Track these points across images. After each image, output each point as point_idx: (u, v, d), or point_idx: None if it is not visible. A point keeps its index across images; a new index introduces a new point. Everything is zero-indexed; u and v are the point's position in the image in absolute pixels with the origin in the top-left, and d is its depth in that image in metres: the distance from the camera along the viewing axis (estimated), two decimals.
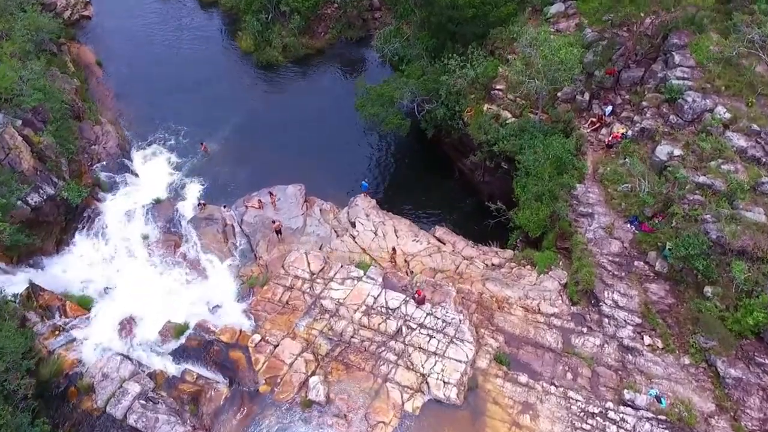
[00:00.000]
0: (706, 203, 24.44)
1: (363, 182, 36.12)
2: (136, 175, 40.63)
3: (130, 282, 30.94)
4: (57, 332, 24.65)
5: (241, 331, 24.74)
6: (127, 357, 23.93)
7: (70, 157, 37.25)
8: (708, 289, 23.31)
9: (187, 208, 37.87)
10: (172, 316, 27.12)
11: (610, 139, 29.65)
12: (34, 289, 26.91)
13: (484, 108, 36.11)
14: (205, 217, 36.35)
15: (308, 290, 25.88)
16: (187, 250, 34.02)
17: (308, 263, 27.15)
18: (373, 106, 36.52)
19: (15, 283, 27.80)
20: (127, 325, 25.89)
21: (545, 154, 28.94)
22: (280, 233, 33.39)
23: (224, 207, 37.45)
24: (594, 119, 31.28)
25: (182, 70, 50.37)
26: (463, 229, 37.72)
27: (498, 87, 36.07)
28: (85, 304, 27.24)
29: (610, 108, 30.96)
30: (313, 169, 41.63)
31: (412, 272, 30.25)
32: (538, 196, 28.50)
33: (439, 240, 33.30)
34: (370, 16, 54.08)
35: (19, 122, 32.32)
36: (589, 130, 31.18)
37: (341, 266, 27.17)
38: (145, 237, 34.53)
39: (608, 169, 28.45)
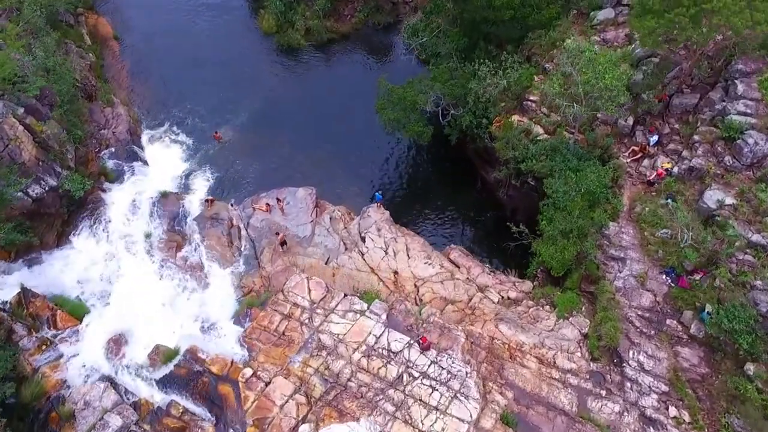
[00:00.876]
0: (758, 267, 21.59)
1: (377, 193, 33.90)
2: (146, 162, 39.13)
3: (127, 287, 29.74)
4: (44, 347, 23.65)
5: (232, 362, 23.34)
6: (113, 381, 22.81)
7: (76, 144, 35.85)
8: (750, 367, 20.74)
9: (194, 203, 36.35)
10: (164, 333, 25.88)
11: (653, 176, 26.54)
12: (25, 295, 25.87)
13: (514, 120, 33.14)
14: (212, 215, 34.76)
15: (307, 321, 24.20)
16: (189, 252, 32.62)
17: (309, 290, 25.42)
18: (394, 109, 33.87)
19: (8, 285, 26.84)
20: (116, 344, 24.76)
21: (577, 186, 26.13)
22: (285, 244, 31.63)
23: (232, 204, 35.83)
24: (636, 148, 28.10)
25: (200, 49, 48.11)
26: (481, 246, 35.57)
27: (531, 98, 32.93)
28: (77, 313, 26.16)
29: (655, 138, 27.69)
30: (328, 166, 39.67)
31: (421, 300, 28.32)
32: (566, 233, 25.88)
33: (453, 262, 31.11)
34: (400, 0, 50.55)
35: (21, 110, 30.79)
36: (629, 160, 28.07)
37: (344, 296, 25.35)
38: (148, 235, 33.18)
39: (647, 209, 25.54)
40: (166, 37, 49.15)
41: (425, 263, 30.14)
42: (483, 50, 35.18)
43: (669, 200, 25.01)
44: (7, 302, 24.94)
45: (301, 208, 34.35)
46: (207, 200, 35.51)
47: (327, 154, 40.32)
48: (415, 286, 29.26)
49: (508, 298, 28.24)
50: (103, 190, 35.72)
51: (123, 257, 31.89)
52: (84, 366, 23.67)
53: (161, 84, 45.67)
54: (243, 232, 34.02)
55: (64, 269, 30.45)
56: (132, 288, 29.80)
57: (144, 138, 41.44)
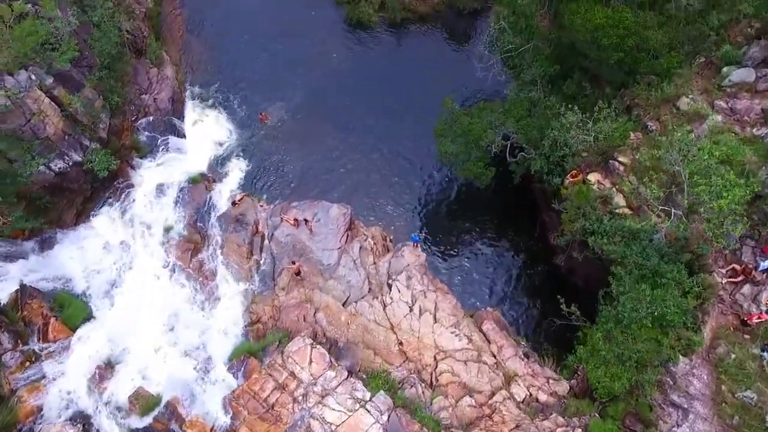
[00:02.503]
0: None
1: (414, 234, 30.01)
2: (183, 136, 36.54)
3: (134, 288, 28.16)
4: (28, 363, 22.46)
5: (212, 429, 21.31)
6: (88, 422, 21.41)
7: (112, 110, 33.53)
8: None
9: (223, 195, 33.83)
10: (156, 364, 24.16)
11: (753, 318, 21.10)
12: (23, 293, 24.58)
13: (594, 180, 27.76)
14: (237, 216, 32.15)
15: (300, 398, 21.56)
16: (205, 257, 30.46)
17: (310, 360, 22.62)
18: (454, 140, 29.11)
19: (10, 277, 25.61)
20: (101, 375, 23.22)
21: (648, 308, 21.22)
22: (299, 274, 28.77)
23: (261, 205, 33.02)
24: (738, 267, 22.43)
25: (265, 8, 43.85)
26: (522, 309, 31.54)
27: (621, 159, 27.23)
28: (72, 321, 24.71)
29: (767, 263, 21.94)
30: (374, 174, 35.82)
31: (437, 380, 25.08)
32: (623, 359, 21.35)
33: (484, 334, 27.36)
34: None
35: (50, 79, 28.40)
36: (725, 280, 22.56)
37: (347, 376, 22.40)
38: (168, 229, 31.16)
39: (733, 355, 20.51)
40: None
41: (452, 333, 26.56)
42: (576, 83, 29.24)
43: (765, 354, 19.91)
44: (1, 302, 23.74)
45: (331, 229, 31.02)
46: (234, 202, 32.79)
47: (376, 160, 36.34)
48: (435, 358, 25.93)
49: (537, 400, 24.48)
50: (132, 167, 33.68)
51: (138, 250, 30.18)
52: (64, 393, 22.40)
53: (216, 45, 42.23)
54: (266, 242, 31.34)
55: (76, 256, 29.08)
56: (139, 290, 28.25)
57: (187, 107, 38.68)
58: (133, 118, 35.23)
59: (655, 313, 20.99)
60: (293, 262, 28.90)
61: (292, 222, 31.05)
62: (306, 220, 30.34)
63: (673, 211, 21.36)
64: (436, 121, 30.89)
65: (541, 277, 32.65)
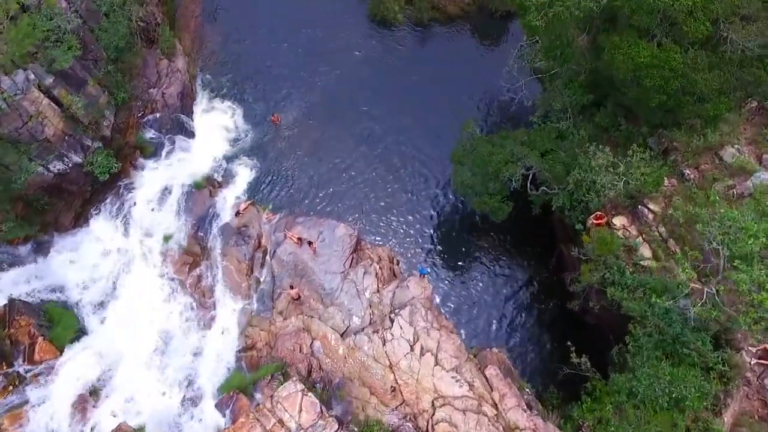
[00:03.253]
0: None
1: (421, 266, 28.48)
2: (192, 134, 35.14)
3: (128, 301, 27.32)
4: (11, 387, 21.79)
5: None
6: None
7: (118, 106, 32.18)
8: None
9: (227, 202, 32.61)
10: (141, 392, 23.36)
11: None
12: (11, 308, 23.80)
13: (619, 224, 25.80)
14: (240, 227, 30.93)
15: None
16: (203, 272, 29.43)
17: (300, 409, 21.50)
18: (472, 170, 27.18)
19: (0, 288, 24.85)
20: (83, 406, 22.47)
21: (667, 388, 19.54)
22: (299, 299, 27.59)
23: (266, 216, 31.71)
24: None
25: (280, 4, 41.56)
26: (529, 347, 30.07)
27: (651, 206, 25.15)
28: (61, 340, 23.95)
29: None
30: (387, 191, 34.04)
31: (433, 431, 23.91)
32: None
33: (486, 380, 26.01)
34: None
35: (50, 79, 26.96)
36: (754, 361, 20.69)
37: (337, 429, 21.29)
38: (168, 238, 30.09)
39: None
40: None
41: (453, 378, 25.20)
42: (609, 116, 26.92)
43: None
44: None
45: (336, 251, 29.59)
46: (238, 211, 31.48)
47: (391, 173, 34.48)
48: (433, 404, 24.67)
49: None
50: (135, 167, 32.48)
51: (135, 259, 29.22)
52: (47, 420, 21.74)
53: (232, 34, 40.32)
54: (267, 259, 30.12)
55: (72, 262, 28.23)
56: (133, 304, 27.38)
57: (197, 102, 37.10)
58: (139, 115, 33.83)
59: (674, 395, 19.36)
60: (292, 287, 27.67)
61: (295, 240, 29.70)
62: (310, 242, 28.95)
63: (705, 290, 19.44)
64: (455, 144, 28.90)
65: (553, 314, 31.04)
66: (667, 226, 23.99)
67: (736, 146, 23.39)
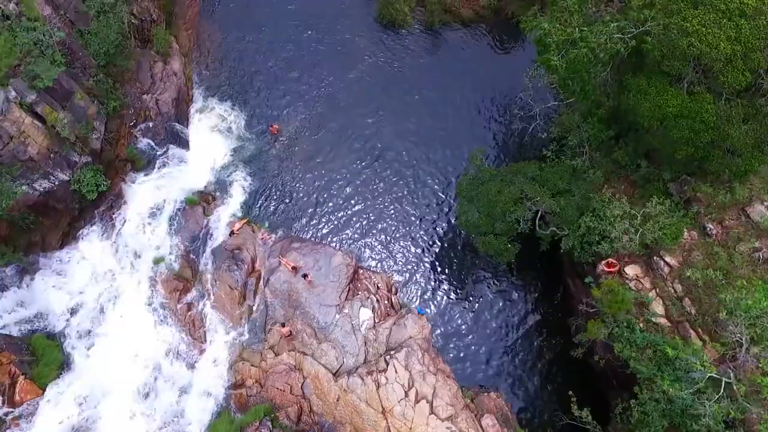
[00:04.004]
0: None
1: (419, 307, 27.21)
2: (186, 144, 33.52)
3: (116, 331, 26.38)
4: None
5: None
6: None
7: (108, 115, 30.55)
8: None
9: (221, 222, 31.23)
10: None
11: None
12: None
13: (632, 274, 24.29)
14: (233, 250, 29.67)
15: None
16: (194, 298, 28.35)
17: None
18: (477, 208, 25.53)
19: None
20: None
21: None
22: (291, 335, 26.54)
23: (262, 236, 30.38)
24: None
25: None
26: (529, 388, 29.02)
27: (668, 258, 23.54)
28: (43, 377, 23.06)
29: None
30: (390, 213, 32.50)
31: None
32: None
33: (482, 429, 25.08)
34: None
35: (33, 96, 25.27)
36: None
37: None
38: (158, 261, 28.93)
39: None
40: None
41: (448, 429, 24.31)
42: (629, 154, 25.00)
43: None
44: None
45: (332, 281, 28.35)
46: (233, 231, 30.17)
47: (395, 194, 32.78)
48: None
49: None
50: (126, 182, 31.04)
51: (124, 283, 28.17)
52: None
53: (233, 32, 38.18)
54: (261, 285, 28.95)
55: (57, 287, 27.20)
56: (120, 334, 26.46)
57: (193, 108, 35.32)
58: (131, 124, 32.07)
59: None
60: (284, 324, 26.56)
61: (290, 269, 28.45)
62: (305, 275, 27.66)
63: (724, 380, 18.03)
64: (462, 175, 27.20)
65: (556, 352, 29.83)
66: (684, 283, 22.44)
67: (766, 204, 21.58)
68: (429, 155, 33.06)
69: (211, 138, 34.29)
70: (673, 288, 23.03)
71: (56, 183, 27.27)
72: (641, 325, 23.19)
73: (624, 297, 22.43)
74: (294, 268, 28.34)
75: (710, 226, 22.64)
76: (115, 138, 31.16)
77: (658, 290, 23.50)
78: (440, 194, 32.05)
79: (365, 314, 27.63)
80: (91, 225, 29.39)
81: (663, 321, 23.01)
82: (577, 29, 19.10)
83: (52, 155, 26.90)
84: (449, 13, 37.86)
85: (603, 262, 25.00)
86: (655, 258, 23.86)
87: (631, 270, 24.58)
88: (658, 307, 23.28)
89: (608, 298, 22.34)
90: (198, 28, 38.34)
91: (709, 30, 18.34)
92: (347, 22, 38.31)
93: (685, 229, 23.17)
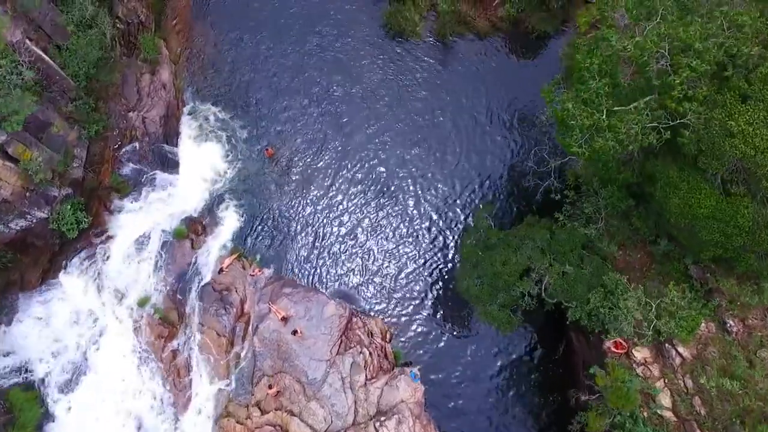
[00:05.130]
0: None
1: (412, 372, 25.91)
2: (176, 166, 31.47)
3: (96, 384, 25.49)
4: None
5: None
6: None
7: (92, 138, 28.55)
8: None
9: (210, 256, 29.73)
10: None
11: None
12: None
13: (640, 358, 22.85)
14: (222, 291, 28.36)
15: None
16: (180, 345, 27.29)
17: None
18: (480, 277, 23.77)
19: None
20: None
21: None
22: (279, 394, 25.57)
23: (252, 272, 28.95)
24: None
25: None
26: None
27: (680, 349, 21.96)
28: None
29: None
30: (392, 255, 30.55)
31: None
32: None
33: None
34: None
35: (4, 136, 23.15)
36: None
37: None
38: (143, 302, 27.68)
39: None
40: None
41: None
42: (649, 228, 22.93)
43: None
44: None
45: (324, 334, 27.07)
46: (222, 268, 28.72)
47: (395, 234, 30.64)
48: None
49: None
50: (110, 211, 29.34)
51: (107, 327, 27.07)
52: None
53: (228, 36, 35.08)
54: (250, 330, 27.77)
55: (38, 330, 26.12)
56: (102, 384, 25.62)
57: (183, 124, 32.96)
58: (115, 146, 30.04)
59: None
60: (270, 386, 25.51)
61: (280, 318, 27.14)
62: (294, 332, 26.34)
63: None
64: (465, 235, 25.33)
65: (553, 409, 28.80)
66: (696, 381, 20.95)
67: None
68: (436, 190, 30.90)
69: (202, 158, 32.10)
70: (683, 382, 21.60)
71: (34, 221, 25.68)
72: (645, 414, 21.92)
73: (630, 395, 21.02)
74: (284, 318, 27.03)
75: (731, 322, 20.89)
76: (98, 161, 29.26)
77: (666, 381, 22.08)
78: (446, 234, 30.12)
79: (356, 372, 26.51)
80: (73, 260, 27.99)
81: (669, 415, 21.73)
82: (605, 114, 16.65)
83: (28, 194, 25.15)
84: (464, 25, 34.56)
85: (611, 341, 23.46)
86: (666, 345, 22.29)
87: (639, 354, 23.08)
88: (665, 399, 21.94)
89: (613, 395, 20.97)
90: (190, 28, 35.33)
91: (757, 131, 15.94)
92: (348, 29, 35.09)
93: (703, 322, 21.43)
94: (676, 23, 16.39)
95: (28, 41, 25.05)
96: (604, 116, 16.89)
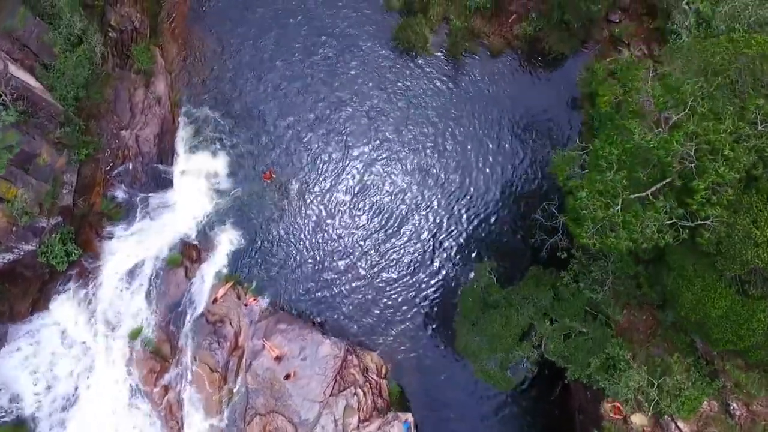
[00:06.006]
0: None
1: (406, 422, 25.60)
2: (171, 186, 30.34)
3: (86, 421, 25.35)
4: None
5: None
6: None
7: (82, 161, 27.50)
8: None
9: (205, 285, 29.05)
10: None
11: None
12: None
13: (637, 423, 22.44)
14: (215, 323, 27.91)
15: None
16: (172, 379, 26.97)
17: None
18: (479, 336, 23.08)
19: None
20: None
21: None
22: None
23: (247, 302, 28.45)
24: None
25: (288, 5, 33.63)
26: None
27: (680, 423, 21.46)
28: None
29: None
30: (392, 291, 29.66)
31: None
32: None
33: None
34: (600, 17, 31.89)
35: None
36: None
37: None
38: (135, 335, 27.22)
39: None
40: None
41: None
42: (658, 294, 22.04)
43: None
44: None
45: (317, 374, 26.72)
46: (216, 298, 28.16)
47: (398, 269, 29.64)
48: None
49: None
50: (102, 238, 28.50)
51: (98, 359, 26.72)
52: None
53: (227, 44, 33.10)
54: (243, 365, 27.47)
55: (26, 365, 25.81)
56: (94, 420, 25.51)
57: (179, 141, 31.56)
58: (107, 168, 28.98)
59: None
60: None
61: (273, 357, 26.73)
62: (288, 375, 25.95)
63: None
64: (465, 288, 24.43)
65: None
66: None
67: None
68: (440, 226, 29.83)
69: (198, 178, 30.94)
70: None
71: (22, 254, 24.96)
72: None
73: None
74: (278, 358, 26.62)
75: (735, 405, 20.29)
76: (89, 185, 28.27)
77: None
78: (448, 275, 29.26)
79: (350, 415, 26.30)
80: (64, 289, 27.37)
81: None
82: (619, 211, 15.45)
83: (14, 228, 24.31)
84: (476, 41, 32.52)
85: (611, 403, 22.97)
86: (666, 417, 21.79)
87: (637, 420, 22.60)
88: None
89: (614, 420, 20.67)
90: (189, 32, 33.32)
91: None
92: (355, 41, 33.05)
93: (705, 400, 20.83)
94: (707, 115, 14.93)
95: (11, 66, 23.60)
96: (619, 210, 15.71)
